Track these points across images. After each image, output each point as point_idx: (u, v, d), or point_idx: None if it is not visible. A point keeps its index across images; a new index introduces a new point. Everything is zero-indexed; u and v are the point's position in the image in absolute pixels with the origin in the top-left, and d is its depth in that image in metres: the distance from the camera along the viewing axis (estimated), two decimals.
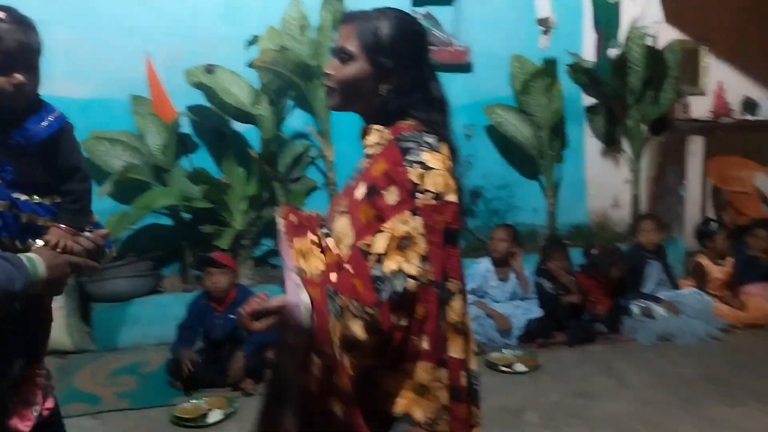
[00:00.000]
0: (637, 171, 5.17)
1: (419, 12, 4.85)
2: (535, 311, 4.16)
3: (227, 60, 4.32)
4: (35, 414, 1.47)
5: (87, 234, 1.57)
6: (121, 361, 3.87)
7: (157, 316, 4.07)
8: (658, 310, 4.25)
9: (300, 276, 1.33)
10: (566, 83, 5.04)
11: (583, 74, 5.06)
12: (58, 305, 3.61)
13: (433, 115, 1.43)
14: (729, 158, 5.51)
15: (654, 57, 4.91)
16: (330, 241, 1.40)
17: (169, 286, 4.33)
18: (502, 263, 4.31)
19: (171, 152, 4.24)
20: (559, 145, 5.07)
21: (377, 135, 1.43)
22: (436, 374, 1.31)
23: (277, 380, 1.48)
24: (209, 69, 4.22)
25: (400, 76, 1.41)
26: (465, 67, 4.91)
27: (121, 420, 3.19)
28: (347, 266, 1.31)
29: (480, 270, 4.31)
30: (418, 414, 1.30)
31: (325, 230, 1.45)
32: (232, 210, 4.32)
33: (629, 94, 4.98)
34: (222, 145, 4.46)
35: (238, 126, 4.48)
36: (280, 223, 1.49)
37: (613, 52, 4.74)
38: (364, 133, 1.47)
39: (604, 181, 5.35)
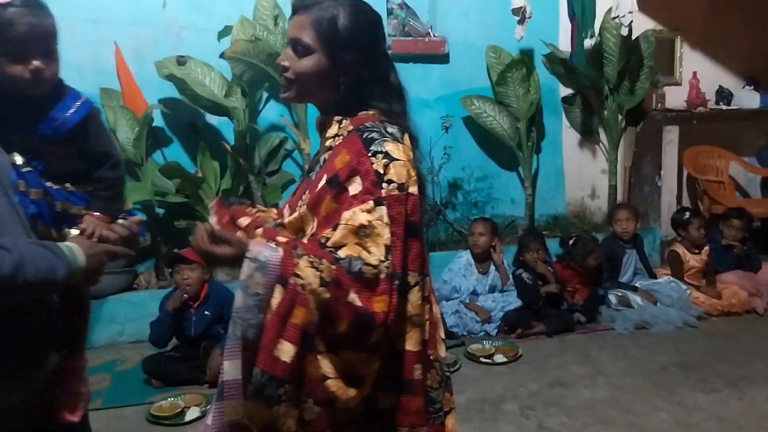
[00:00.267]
0: (613, 161, 5.20)
1: (395, 2, 4.82)
2: (514, 302, 4.17)
3: (199, 51, 4.25)
4: (84, 404, 1.46)
5: (121, 222, 1.56)
6: (96, 359, 3.80)
7: (132, 314, 4.01)
8: (635, 299, 4.28)
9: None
10: (543, 74, 5.04)
11: (559, 65, 5.07)
12: None
13: (394, 105, 1.41)
14: (704, 148, 5.56)
15: (629, 47, 4.93)
16: (281, 237, 1.36)
17: (144, 283, 4.27)
18: (483, 257, 4.30)
19: (143, 146, 4.16)
20: (536, 136, 5.08)
21: (336, 126, 1.40)
22: (375, 366, 1.29)
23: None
24: (180, 60, 4.15)
25: (360, 69, 1.38)
26: (442, 58, 4.89)
27: (96, 419, 3.06)
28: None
29: (461, 264, 4.30)
30: (344, 401, 1.27)
31: (278, 221, 1.43)
32: (207, 204, 4.27)
33: (605, 84, 5.00)
34: (195, 138, 4.39)
35: (212, 119, 4.42)
36: (213, 221, 1.46)
37: (588, 42, 4.74)
38: (323, 124, 1.44)
39: (581, 172, 5.38)
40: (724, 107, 5.59)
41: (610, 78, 4.97)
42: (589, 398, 3.24)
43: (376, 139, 1.31)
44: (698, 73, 5.50)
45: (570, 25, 4.80)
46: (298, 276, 1.22)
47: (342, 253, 1.25)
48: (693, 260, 4.52)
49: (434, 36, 4.83)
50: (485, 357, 3.72)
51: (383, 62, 1.43)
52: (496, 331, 4.08)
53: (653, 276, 4.59)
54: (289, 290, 1.23)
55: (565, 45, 4.99)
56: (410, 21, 4.78)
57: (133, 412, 3.16)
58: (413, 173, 1.32)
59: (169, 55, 4.18)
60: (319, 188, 1.33)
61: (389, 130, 1.35)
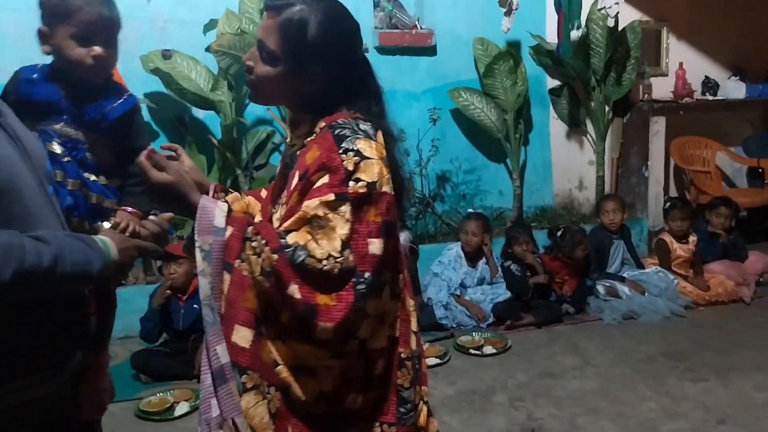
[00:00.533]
0: (600, 152, 5.21)
1: None
2: (503, 294, 4.18)
3: (184, 45, 4.22)
4: (108, 400, 1.45)
5: (152, 218, 1.56)
6: None
7: (120, 309, 3.87)
8: (623, 289, 4.31)
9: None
10: (530, 65, 5.04)
11: (545, 56, 5.07)
12: None
13: (368, 104, 1.36)
14: (690, 138, 5.59)
15: (615, 38, 4.94)
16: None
17: (132, 279, 4.24)
18: (473, 251, 4.30)
19: None
20: (524, 128, 5.08)
21: (309, 125, 1.37)
22: (327, 362, 1.26)
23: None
24: (166, 54, 4.11)
25: (328, 80, 1.33)
26: (429, 50, 4.87)
27: None
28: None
29: (451, 256, 4.30)
30: (297, 389, 1.26)
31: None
32: None
33: (592, 75, 5.01)
34: (182, 132, 4.36)
35: (198, 112, 4.39)
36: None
37: (575, 34, 4.75)
38: (295, 122, 1.41)
39: (569, 163, 5.39)
40: (711, 98, 5.62)
41: (596, 69, 4.98)
42: (578, 389, 3.26)
43: (348, 137, 1.28)
44: (684, 64, 5.52)
45: (556, 17, 4.79)
46: (242, 260, 1.24)
47: (290, 238, 1.23)
48: (680, 249, 4.55)
49: (421, 28, 4.82)
50: (474, 348, 3.73)
51: (358, 70, 1.38)
52: (486, 323, 4.09)
53: (641, 266, 4.62)
54: (236, 274, 1.24)
55: (552, 36, 4.99)
56: (397, 13, 4.76)
57: (121, 408, 3.14)
58: (386, 172, 1.29)
59: (155, 48, 4.14)
60: (292, 187, 1.32)
61: (362, 127, 1.31)
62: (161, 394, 3.19)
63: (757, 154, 5.62)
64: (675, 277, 4.41)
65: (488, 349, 3.72)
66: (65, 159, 1.55)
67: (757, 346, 3.69)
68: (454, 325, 4.05)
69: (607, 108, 5.15)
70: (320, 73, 1.32)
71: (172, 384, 3.32)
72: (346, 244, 1.23)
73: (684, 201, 5.38)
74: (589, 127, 5.29)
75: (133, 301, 3.89)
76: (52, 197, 1.29)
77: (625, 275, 4.47)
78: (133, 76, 4.11)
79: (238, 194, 1.60)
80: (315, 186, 1.26)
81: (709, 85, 5.66)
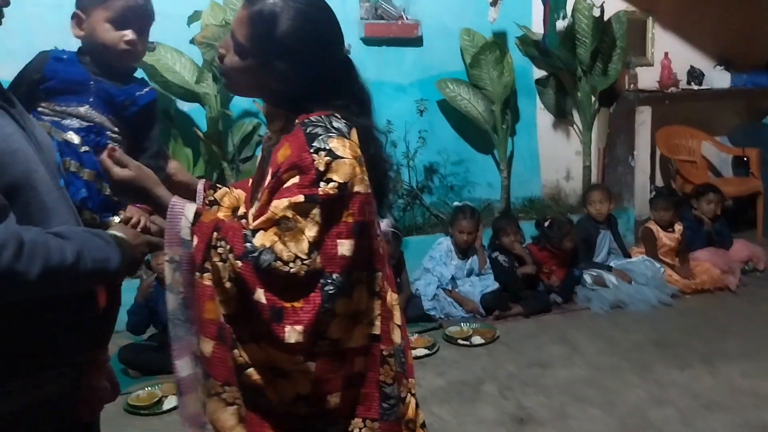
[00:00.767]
0: (587, 143, 5.22)
1: None
2: (492, 285, 4.18)
3: (168, 37, 4.15)
4: (108, 398, 1.44)
5: None
6: None
7: None
8: (610, 278, 4.33)
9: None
10: (516, 56, 5.04)
11: (532, 47, 5.07)
12: None
13: (347, 106, 1.33)
14: (676, 128, 5.62)
15: (601, 28, 4.95)
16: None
17: (142, 274, 4.20)
18: (465, 245, 4.30)
19: None
20: (511, 119, 5.08)
21: (283, 120, 1.35)
22: (301, 366, 1.24)
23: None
24: (150, 46, 4.04)
25: (297, 77, 1.30)
26: (415, 41, 4.85)
27: None
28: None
29: (442, 250, 4.30)
30: (271, 393, 1.25)
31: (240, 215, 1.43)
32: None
33: (578, 65, 5.01)
34: (167, 125, 4.31)
35: (183, 105, 4.34)
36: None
37: (561, 24, 4.74)
38: (270, 116, 1.40)
39: (556, 154, 5.40)
40: (696, 87, 5.64)
41: (583, 59, 4.98)
42: (567, 377, 3.28)
43: (320, 135, 1.25)
44: (670, 54, 5.54)
45: (542, 7, 4.79)
46: (206, 270, 1.23)
47: (257, 240, 1.21)
48: (666, 238, 4.58)
49: (407, 19, 4.80)
50: (463, 339, 3.74)
51: (336, 71, 1.34)
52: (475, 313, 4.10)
53: (628, 255, 4.65)
54: (197, 285, 1.24)
55: (538, 27, 4.98)
56: (383, 4, 4.73)
57: (110, 403, 3.12)
58: (359, 171, 1.26)
59: None
60: (266, 184, 1.30)
61: (335, 124, 1.28)
62: (149, 389, 3.17)
63: (742, 144, 5.66)
64: (661, 265, 4.43)
65: (477, 340, 3.72)
66: (83, 149, 1.55)
67: (743, 333, 3.72)
68: (442, 316, 4.06)
69: (593, 98, 5.16)
70: (287, 70, 1.29)
71: (161, 378, 3.30)
72: (313, 246, 1.21)
73: (670, 190, 5.43)
74: (576, 118, 5.29)
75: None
76: (64, 190, 1.28)
77: (612, 264, 4.49)
78: None
79: (227, 189, 1.59)
80: (285, 185, 1.24)
81: (695, 74, 5.69)
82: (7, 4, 1.21)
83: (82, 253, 1.13)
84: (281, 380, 1.26)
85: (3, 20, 1.22)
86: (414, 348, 3.57)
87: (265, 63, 1.29)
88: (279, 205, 1.22)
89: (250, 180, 1.54)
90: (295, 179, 1.23)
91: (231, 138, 4.37)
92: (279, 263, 1.19)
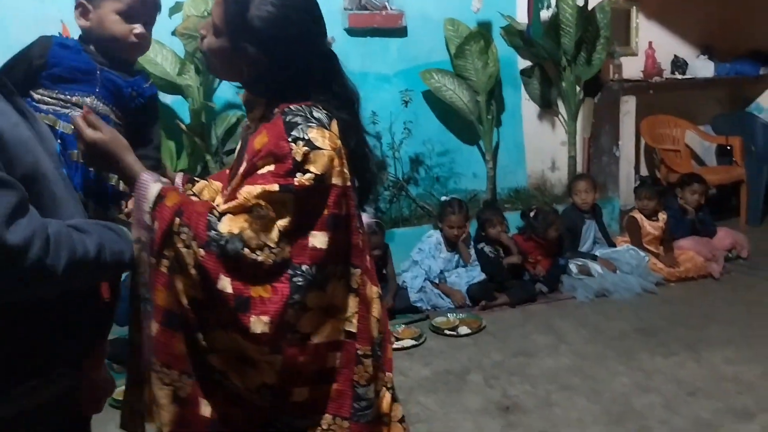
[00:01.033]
0: (572, 132, 5.23)
1: None
2: (479, 276, 4.19)
3: None
4: (109, 392, 1.43)
5: None
6: None
7: None
8: (595, 267, 4.35)
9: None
10: (501, 46, 5.03)
11: (516, 37, 5.06)
12: None
13: (326, 98, 1.32)
14: (660, 117, 5.64)
15: (585, 18, 4.95)
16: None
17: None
18: (455, 239, 4.30)
19: None
20: (496, 109, 5.07)
21: (263, 108, 1.33)
22: (268, 357, 1.22)
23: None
24: None
25: (268, 64, 1.28)
26: (399, 32, 4.83)
27: None
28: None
29: (431, 243, 4.29)
30: (236, 378, 1.24)
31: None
32: None
33: (562, 55, 5.02)
34: None
35: (165, 97, 4.28)
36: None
37: (545, 14, 4.74)
38: (249, 104, 1.38)
39: (541, 144, 5.41)
40: (680, 77, 5.67)
41: (567, 49, 4.98)
42: (552, 366, 3.29)
43: (299, 124, 1.23)
44: (654, 43, 5.56)
45: None
46: (163, 256, 1.21)
47: (224, 226, 1.19)
48: (650, 227, 4.60)
49: (391, 9, 4.77)
50: (450, 329, 3.74)
51: (315, 64, 1.32)
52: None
53: (612, 245, 4.67)
54: (152, 269, 1.22)
55: (522, 17, 4.97)
56: None
57: None
58: (337, 163, 1.25)
59: None
60: (241, 170, 1.28)
61: (315, 114, 1.26)
62: None
63: (725, 132, 5.70)
64: (646, 254, 4.46)
65: (463, 330, 3.73)
66: None
67: (726, 320, 3.75)
68: (429, 308, 4.06)
69: (578, 88, 5.17)
70: (257, 55, 1.28)
71: None
72: (284, 235, 1.20)
73: (654, 180, 5.46)
74: (561, 108, 5.30)
75: None
76: (68, 180, 1.26)
77: (597, 254, 4.51)
78: None
79: (206, 182, 1.57)
80: (260, 171, 1.22)
81: (678, 64, 5.71)
82: None
83: (102, 246, 1.13)
84: (248, 368, 1.24)
85: None
86: (401, 339, 3.58)
87: (236, 45, 1.29)
88: (252, 191, 1.20)
89: (228, 170, 1.53)
90: (271, 167, 1.21)
91: (214, 130, 4.33)
92: (246, 250, 1.18)
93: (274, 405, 1.26)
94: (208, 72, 1.49)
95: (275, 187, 1.20)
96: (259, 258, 1.18)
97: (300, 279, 1.21)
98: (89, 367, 1.31)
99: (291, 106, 1.27)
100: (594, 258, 4.44)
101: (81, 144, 1.31)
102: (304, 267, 1.21)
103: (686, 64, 5.72)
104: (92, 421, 1.43)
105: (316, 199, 1.22)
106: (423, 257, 4.25)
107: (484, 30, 4.92)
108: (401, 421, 1.47)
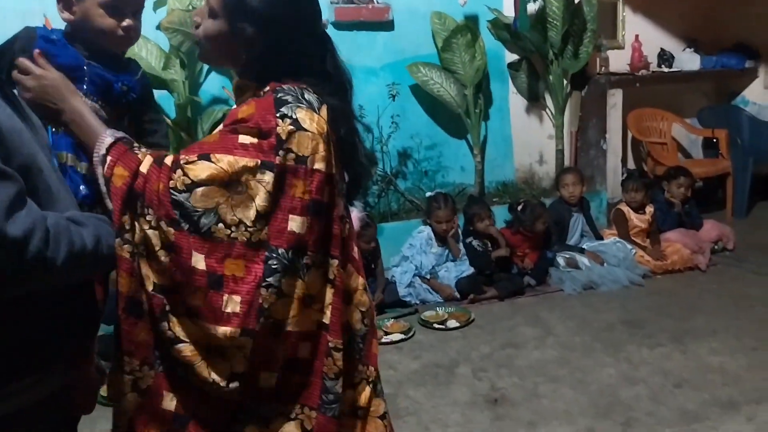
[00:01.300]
0: (559, 126, 5.24)
1: None
2: (468, 270, 4.20)
3: None
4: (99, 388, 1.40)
5: None
6: None
7: None
8: (583, 260, 4.36)
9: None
10: (488, 40, 5.03)
11: (503, 30, 5.06)
12: None
13: (318, 80, 1.30)
14: (647, 110, 5.67)
15: (572, 11, 4.95)
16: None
17: None
18: (444, 234, 4.30)
19: None
20: (484, 103, 5.07)
21: (252, 91, 1.31)
22: (238, 341, 1.19)
23: None
24: None
25: (264, 44, 1.28)
26: (386, 25, 4.82)
27: None
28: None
29: (422, 239, 4.29)
30: (202, 370, 1.21)
31: None
32: None
33: (549, 48, 5.02)
34: None
35: None
36: None
37: (532, 7, 4.74)
38: (240, 89, 1.36)
39: (529, 138, 5.41)
40: (666, 70, 5.69)
41: (554, 43, 4.99)
42: (539, 358, 3.31)
43: (289, 103, 1.22)
44: (640, 37, 5.57)
45: None
46: (126, 241, 1.19)
47: (198, 201, 1.15)
48: (637, 220, 4.63)
49: (378, 2, 4.75)
50: (439, 323, 3.75)
51: (310, 46, 1.31)
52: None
53: (600, 237, 4.69)
54: (116, 253, 1.20)
55: (509, 10, 4.97)
56: None
57: None
58: (322, 148, 1.23)
59: None
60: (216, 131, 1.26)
61: (306, 97, 1.25)
62: None
63: (711, 125, 5.73)
64: (633, 247, 4.48)
65: (452, 323, 3.74)
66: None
67: (712, 311, 3.78)
68: (418, 302, 4.07)
69: (565, 81, 5.18)
70: (254, 36, 1.28)
71: None
72: (261, 215, 1.18)
73: (641, 173, 5.48)
74: (548, 101, 5.31)
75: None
76: (59, 172, 1.24)
77: (584, 247, 4.53)
78: None
79: None
80: (240, 141, 1.19)
81: (665, 57, 5.74)
82: None
83: (99, 239, 1.11)
84: (217, 358, 1.21)
85: None
86: (390, 333, 3.58)
87: (233, 26, 1.28)
88: (233, 163, 1.17)
89: None
90: (254, 139, 1.19)
91: (200, 125, 4.30)
92: (221, 225, 1.16)
93: (243, 393, 1.24)
94: (202, 61, 1.46)
95: (256, 163, 1.18)
96: (233, 234, 1.16)
97: (275, 262, 1.19)
98: (81, 364, 1.29)
99: (283, 86, 1.26)
100: (581, 251, 4.46)
101: (28, 82, 1.29)
102: (280, 250, 1.19)
103: (672, 57, 5.74)
104: (81, 418, 1.41)
105: (298, 182, 1.20)
106: (414, 253, 4.25)
107: (471, 23, 4.91)
108: (382, 417, 1.43)
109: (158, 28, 4.05)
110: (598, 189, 5.29)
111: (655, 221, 4.65)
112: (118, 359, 1.25)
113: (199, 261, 1.16)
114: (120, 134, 1.27)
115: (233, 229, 1.16)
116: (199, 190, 1.16)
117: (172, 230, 1.15)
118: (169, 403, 1.25)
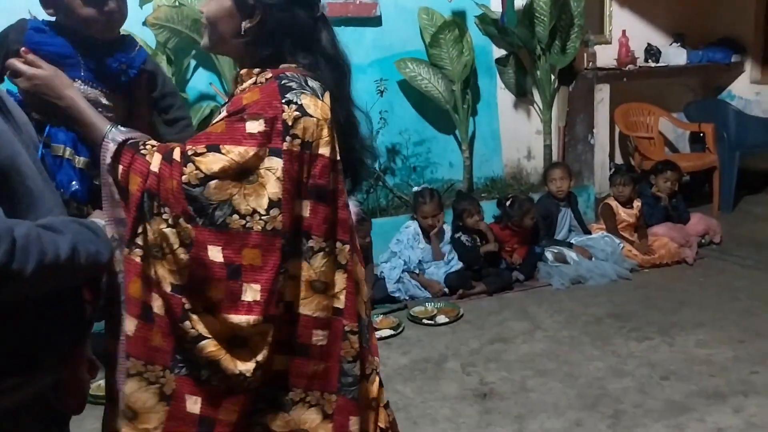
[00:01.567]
0: (547, 121, 5.26)
1: None
2: (456, 266, 4.21)
3: None
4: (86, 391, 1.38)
5: None
6: None
7: None
8: (571, 255, 4.38)
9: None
10: (476, 35, 5.03)
11: (491, 25, 5.06)
12: None
13: (314, 60, 1.32)
14: (634, 105, 5.69)
15: (559, 6, 4.96)
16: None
17: None
18: (430, 229, 4.30)
19: None
20: (472, 98, 5.08)
21: (255, 78, 1.31)
22: (261, 328, 1.21)
23: None
24: None
25: (265, 13, 1.29)
26: (374, 21, 4.81)
27: None
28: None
29: (409, 234, 4.30)
30: (228, 363, 1.21)
31: None
32: None
33: (537, 44, 5.03)
34: None
35: None
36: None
37: (519, 2, 4.75)
38: (240, 78, 1.36)
39: (517, 133, 5.43)
40: (653, 64, 5.72)
41: (541, 38, 5.00)
42: (528, 352, 3.32)
43: (294, 89, 1.24)
44: (627, 32, 5.60)
45: None
46: (136, 245, 1.19)
47: (212, 194, 1.16)
48: (624, 214, 4.65)
49: None
50: (428, 319, 3.76)
51: (309, 26, 1.33)
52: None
53: (587, 232, 4.71)
54: (126, 260, 1.21)
55: (496, 5, 4.97)
56: None
57: None
58: (326, 134, 1.25)
59: None
60: (217, 120, 1.25)
61: (310, 83, 1.27)
62: None
63: (698, 119, 5.76)
64: (621, 241, 4.50)
65: (441, 319, 3.75)
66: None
67: (699, 304, 3.81)
68: (407, 297, 4.07)
69: (552, 77, 5.19)
70: (260, 14, 1.29)
71: None
72: (273, 203, 1.19)
73: (629, 167, 5.51)
74: (536, 97, 5.32)
75: None
76: (46, 174, 1.21)
77: (572, 241, 4.55)
78: None
79: None
80: (246, 129, 1.19)
81: (652, 52, 5.76)
82: None
83: (76, 248, 1.08)
84: (240, 349, 1.22)
85: None
86: (379, 329, 3.58)
87: (241, 5, 1.29)
88: (243, 153, 1.18)
89: None
90: (261, 126, 1.20)
91: None
92: (235, 216, 1.17)
93: (262, 380, 1.25)
94: (206, 51, 1.46)
95: (264, 151, 1.19)
96: (248, 224, 1.17)
97: (287, 248, 1.21)
98: (71, 364, 1.28)
99: (286, 73, 1.27)
100: (569, 245, 4.48)
101: (21, 84, 1.27)
102: (288, 234, 1.21)
103: (659, 52, 5.77)
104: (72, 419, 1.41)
105: (303, 167, 1.22)
106: (401, 248, 4.25)
107: (458, 19, 4.92)
108: (386, 406, 1.48)
109: (144, 24, 4.03)
110: (585, 184, 5.31)
111: (643, 215, 4.68)
112: (140, 373, 1.24)
113: (216, 254, 1.17)
114: (121, 136, 1.26)
115: (248, 218, 1.17)
116: (213, 183, 1.17)
117: (190, 226, 1.16)
118: (193, 406, 1.24)
